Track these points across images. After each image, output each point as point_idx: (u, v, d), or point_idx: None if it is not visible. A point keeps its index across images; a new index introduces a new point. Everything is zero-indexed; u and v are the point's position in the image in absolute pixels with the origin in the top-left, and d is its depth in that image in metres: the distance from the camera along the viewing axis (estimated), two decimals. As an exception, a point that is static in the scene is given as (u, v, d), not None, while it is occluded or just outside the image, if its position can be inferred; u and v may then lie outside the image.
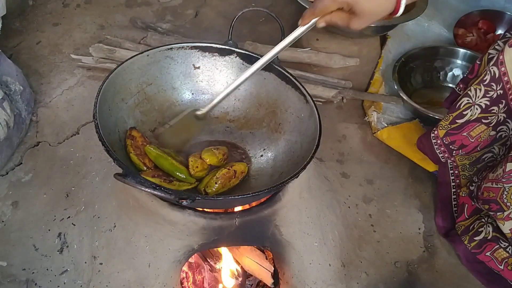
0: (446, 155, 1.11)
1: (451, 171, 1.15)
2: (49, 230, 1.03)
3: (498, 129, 1.02)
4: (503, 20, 1.65)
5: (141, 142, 0.90)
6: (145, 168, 0.87)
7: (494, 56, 0.99)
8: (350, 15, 0.81)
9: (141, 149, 0.89)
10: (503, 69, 0.96)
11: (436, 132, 1.10)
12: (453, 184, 1.15)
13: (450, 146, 1.09)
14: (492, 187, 0.97)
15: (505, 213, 0.94)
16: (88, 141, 1.24)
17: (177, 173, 0.88)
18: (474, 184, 1.08)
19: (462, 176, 1.14)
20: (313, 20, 0.84)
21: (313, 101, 0.95)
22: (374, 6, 0.79)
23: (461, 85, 1.12)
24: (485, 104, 1.00)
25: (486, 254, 1.02)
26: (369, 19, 0.80)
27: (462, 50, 1.51)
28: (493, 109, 1.00)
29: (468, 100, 1.02)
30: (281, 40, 0.94)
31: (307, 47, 1.55)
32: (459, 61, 1.51)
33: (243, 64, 1.04)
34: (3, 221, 1.05)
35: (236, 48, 1.03)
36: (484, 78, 0.98)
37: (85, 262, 0.95)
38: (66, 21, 1.65)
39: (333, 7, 0.80)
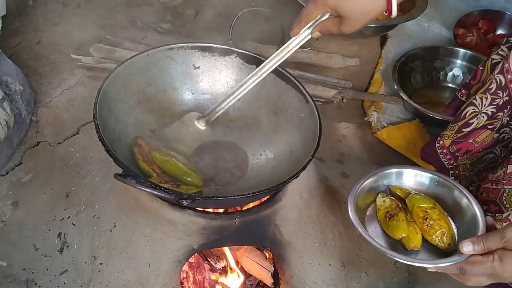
0: (452, 161, 1.11)
1: (451, 171, 1.15)
2: (49, 230, 1.03)
3: (501, 131, 1.02)
4: (503, 20, 1.65)
5: (147, 150, 0.90)
6: (154, 174, 0.87)
7: (498, 62, 0.98)
8: (339, 20, 0.78)
9: (148, 156, 0.89)
10: (509, 76, 0.95)
11: (441, 142, 1.09)
12: (453, 184, 1.15)
13: (456, 154, 1.09)
14: (492, 188, 0.97)
15: (504, 215, 0.94)
16: (88, 141, 1.24)
17: (185, 177, 0.87)
18: (473, 185, 1.08)
19: (463, 176, 1.13)
20: (304, 30, 0.82)
21: (313, 101, 0.95)
22: (359, 6, 0.76)
23: (463, 91, 1.11)
24: (491, 111, 0.99)
25: None
26: (360, 20, 0.77)
27: (462, 50, 1.51)
28: (499, 115, 1.00)
29: (474, 109, 1.01)
30: (279, 46, 0.95)
31: (307, 47, 1.55)
32: (459, 61, 1.51)
33: (243, 64, 1.04)
34: (3, 221, 1.05)
35: (236, 48, 1.03)
36: (490, 87, 0.98)
37: (85, 262, 0.95)
38: (66, 21, 1.65)
39: (315, 13, 0.78)
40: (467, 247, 0.72)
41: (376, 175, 0.89)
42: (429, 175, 0.90)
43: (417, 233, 0.81)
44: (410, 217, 0.84)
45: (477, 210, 0.81)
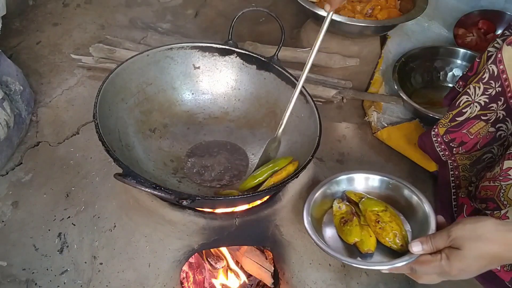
0: (447, 153, 1.11)
1: (451, 172, 1.15)
2: (49, 230, 1.03)
3: (497, 126, 1.03)
4: (503, 20, 1.65)
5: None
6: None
7: (493, 54, 0.99)
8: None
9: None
10: (501, 67, 0.96)
11: (436, 130, 1.10)
12: (453, 184, 1.15)
13: (450, 144, 1.09)
14: (490, 185, 0.97)
15: (502, 212, 0.94)
16: (88, 141, 1.24)
17: (278, 167, 0.89)
18: (472, 185, 1.08)
19: (462, 177, 1.14)
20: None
21: (313, 101, 0.95)
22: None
23: (460, 83, 1.13)
24: (484, 101, 1.01)
25: None
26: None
27: (462, 50, 1.51)
28: (492, 106, 1.01)
29: (467, 98, 1.03)
30: (279, 46, 0.98)
31: (307, 47, 1.55)
32: (459, 61, 1.51)
33: (243, 64, 1.04)
34: (3, 221, 1.05)
35: (236, 48, 1.03)
36: (483, 76, 0.99)
37: (85, 262, 0.95)
38: (66, 21, 1.66)
39: None
40: (416, 247, 0.73)
41: (328, 183, 0.90)
42: (378, 177, 0.91)
43: (370, 236, 0.82)
44: (364, 221, 0.84)
45: (427, 208, 0.82)
